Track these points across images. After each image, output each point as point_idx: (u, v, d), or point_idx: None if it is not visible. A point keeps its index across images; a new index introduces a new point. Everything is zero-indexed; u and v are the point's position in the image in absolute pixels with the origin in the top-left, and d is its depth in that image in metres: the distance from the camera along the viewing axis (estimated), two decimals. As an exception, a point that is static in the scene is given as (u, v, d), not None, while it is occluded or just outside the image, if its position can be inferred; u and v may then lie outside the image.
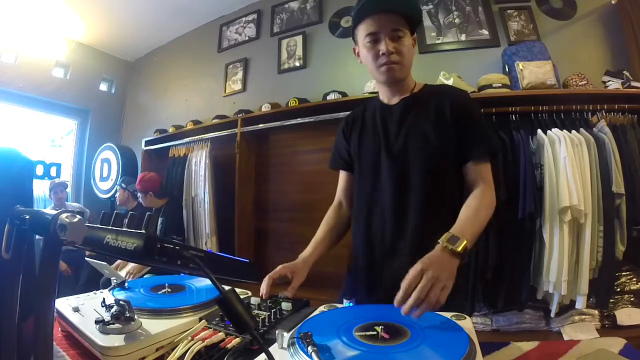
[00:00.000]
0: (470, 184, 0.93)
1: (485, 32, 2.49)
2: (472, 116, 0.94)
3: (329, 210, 1.11)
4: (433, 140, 0.92)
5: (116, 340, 0.65)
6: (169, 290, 0.94)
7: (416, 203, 0.92)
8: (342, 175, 1.13)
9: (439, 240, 0.75)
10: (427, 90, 1.00)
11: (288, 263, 0.91)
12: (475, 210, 0.85)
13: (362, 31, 0.93)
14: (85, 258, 1.61)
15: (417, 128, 0.94)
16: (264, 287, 0.84)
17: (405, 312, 0.63)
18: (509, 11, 2.48)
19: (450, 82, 2.11)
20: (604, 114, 1.89)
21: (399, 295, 0.65)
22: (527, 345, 0.79)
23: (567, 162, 1.71)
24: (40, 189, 3.58)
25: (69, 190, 3.63)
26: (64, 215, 0.42)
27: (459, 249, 0.73)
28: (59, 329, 0.83)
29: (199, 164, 2.98)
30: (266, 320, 0.73)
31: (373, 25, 0.90)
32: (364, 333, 0.59)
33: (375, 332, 0.59)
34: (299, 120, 2.59)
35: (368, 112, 1.06)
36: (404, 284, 0.65)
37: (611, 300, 1.83)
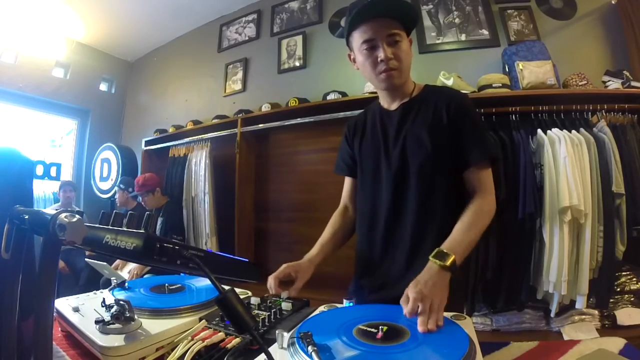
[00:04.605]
0: (470, 191, 0.91)
1: (485, 32, 2.49)
2: (470, 119, 0.92)
3: (335, 214, 1.12)
4: (428, 145, 0.91)
5: (116, 340, 0.65)
6: (183, 287, 0.95)
7: (412, 207, 0.93)
8: (347, 180, 1.13)
9: (429, 257, 0.78)
10: (427, 91, 0.99)
11: (292, 262, 0.91)
12: (469, 224, 0.85)
13: (357, 38, 0.90)
14: (85, 259, 1.61)
15: (413, 133, 0.94)
16: (272, 287, 0.85)
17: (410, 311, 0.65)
18: (509, 11, 2.48)
19: (450, 82, 2.11)
20: (604, 114, 1.89)
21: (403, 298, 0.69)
22: (527, 345, 0.80)
23: (567, 162, 1.71)
24: (41, 189, 3.58)
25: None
26: (63, 215, 0.42)
27: (447, 263, 0.75)
28: (59, 329, 0.83)
29: (199, 164, 2.98)
30: (266, 320, 0.73)
31: (369, 31, 0.87)
32: (364, 333, 0.59)
33: (375, 332, 0.59)
34: (299, 120, 2.59)
35: (369, 118, 1.06)
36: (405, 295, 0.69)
37: (611, 300, 1.82)
